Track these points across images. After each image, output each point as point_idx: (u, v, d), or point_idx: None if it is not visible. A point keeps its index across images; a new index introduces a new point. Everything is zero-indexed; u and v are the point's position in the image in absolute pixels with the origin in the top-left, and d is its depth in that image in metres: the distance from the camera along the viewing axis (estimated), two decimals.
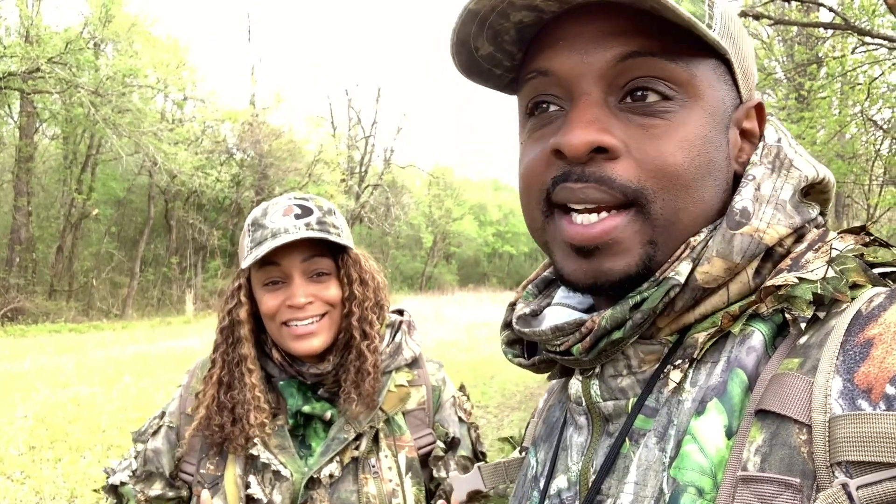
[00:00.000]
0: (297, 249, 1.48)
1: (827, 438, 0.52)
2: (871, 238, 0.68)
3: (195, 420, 1.51)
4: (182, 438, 1.53)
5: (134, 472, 1.53)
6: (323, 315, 1.49)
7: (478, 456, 1.63)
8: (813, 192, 0.72)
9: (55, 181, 26.90)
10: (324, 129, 36.48)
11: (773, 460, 0.54)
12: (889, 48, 7.18)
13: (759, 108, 0.74)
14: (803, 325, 0.60)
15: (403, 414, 1.56)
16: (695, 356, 0.65)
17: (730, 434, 0.58)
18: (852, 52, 8.69)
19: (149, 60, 24.75)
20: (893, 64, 8.09)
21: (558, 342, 0.71)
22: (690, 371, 0.65)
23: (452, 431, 1.59)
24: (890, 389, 0.51)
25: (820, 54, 9.64)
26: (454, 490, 0.97)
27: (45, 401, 8.95)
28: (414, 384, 1.60)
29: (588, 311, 0.79)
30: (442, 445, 1.56)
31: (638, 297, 0.66)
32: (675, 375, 0.65)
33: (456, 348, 14.39)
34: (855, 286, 0.62)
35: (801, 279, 0.62)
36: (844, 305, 0.60)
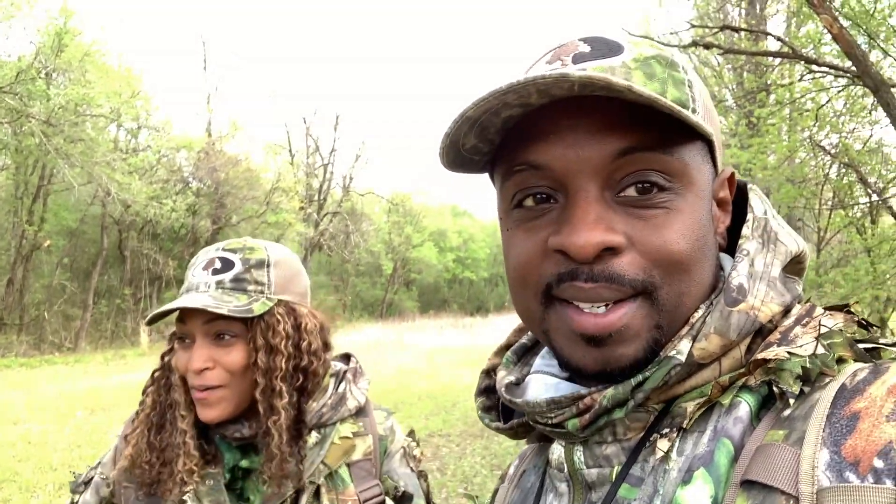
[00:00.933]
0: (200, 311, 1.40)
1: None
2: (857, 319, 0.69)
3: (122, 459, 1.46)
4: (114, 489, 1.48)
5: None
6: (222, 385, 1.41)
7: None
8: (791, 263, 0.73)
9: (5, 212, 26.29)
10: (282, 157, 36.33)
11: None
12: (834, 75, 7.39)
13: (731, 177, 0.76)
14: (792, 401, 0.61)
15: (348, 466, 1.51)
16: (684, 426, 0.65)
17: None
18: (800, 80, 8.92)
19: (102, 89, 24.39)
20: (839, 91, 8.32)
21: (552, 415, 0.71)
22: (678, 440, 0.65)
23: (403, 485, 1.55)
24: (878, 463, 0.52)
25: (768, 82, 9.88)
26: None
27: None
28: (359, 435, 1.55)
29: (570, 379, 0.78)
30: (390, 502, 1.52)
31: (640, 377, 0.66)
32: (663, 445, 0.65)
33: (417, 375, 14.33)
34: (839, 360, 0.63)
35: (790, 353, 0.63)
36: (828, 379, 0.62)
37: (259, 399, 1.42)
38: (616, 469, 0.69)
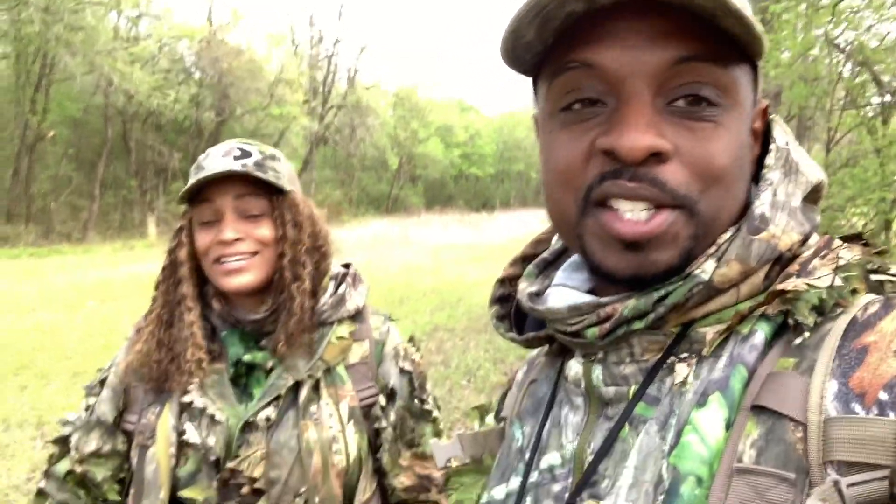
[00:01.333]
0: (230, 187, 1.46)
1: (821, 438, 0.55)
2: (875, 251, 0.70)
3: (132, 354, 1.52)
4: (126, 388, 1.54)
5: (78, 426, 1.54)
6: (254, 253, 1.48)
7: (424, 409, 1.63)
8: (809, 192, 0.74)
9: (7, 102, 26.03)
10: (285, 48, 35.61)
11: (769, 455, 0.57)
12: None
13: (765, 109, 0.76)
14: (807, 334, 0.62)
15: (347, 367, 1.56)
16: (703, 353, 0.67)
17: (728, 427, 0.61)
18: None
19: None
20: None
21: (573, 322, 0.72)
22: (695, 365, 0.67)
23: (391, 382, 1.60)
24: (883, 395, 0.54)
25: None
26: (434, 456, 0.99)
27: (8, 328, 8.88)
28: (356, 338, 1.60)
29: (590, 292, 0.79)
30: (382, 401, 1.58)
31: (662, 291, 0.67)
32: (682, 369, 0.67)
33: (422, 271, 14.48)
34: (853, 292, 0.64)
35: (809, 285, 0.64)
36: (840, 310, 0.63)
37: (286, 267, 1.50)
38: (633, 388, 0.70)
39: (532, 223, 19.35)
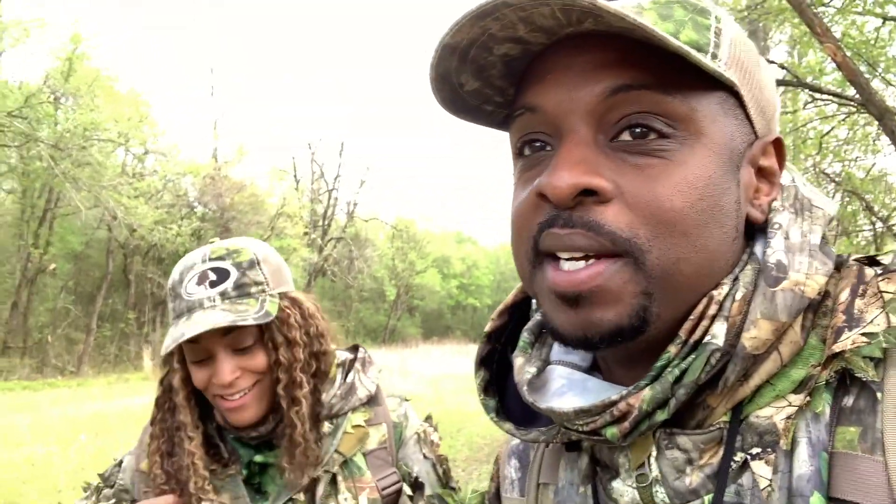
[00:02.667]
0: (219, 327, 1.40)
1: None
2: None
3: (143, 466, 1.51)
4: (133, 495, 1.52)
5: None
6: (253, 385, 1.44)
7: (452, 490, 1.58)
8: None
9: (11, 236, 26.39)
10: (287, 183, 36.45)
11: None
12: (839, 103, 7.47)
13: (778, 144, 0.68)
14: (880, 395, 0.56)
15: (364, 455, 1.52)
16: (781, 445, 0.58)
17: None
18: (803, 108, 8.99)
19: (110, 114, 24.60)
20: (842, 119, 8.40)
21: (582, 423, 0.63)
22: (775, 460, 0.59)
23: (416, 471, 1.55)
24: None
25: None
26: None
27: None
28: (372, 423, 1.55)
29: (594, 367, 0.74)
30: (408, 491, 1.53)
31: (677, 371, 0.60)
32: (763, 470, 0.58)
33: (422, 402, 14.26)
34: None
35: (866, 336, 0.57)
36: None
37: (282, 394, 1.44)
38: (707, 499, 0.61)
39: None
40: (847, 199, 9.74)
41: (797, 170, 0.70)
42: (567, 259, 0.61)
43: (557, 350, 0.75)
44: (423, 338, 41.24)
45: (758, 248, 0.65)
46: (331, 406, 1.51)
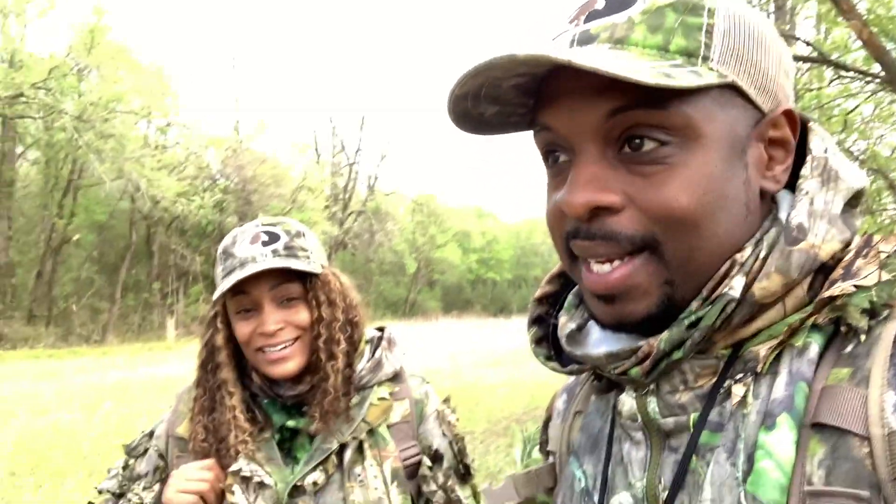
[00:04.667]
0: (266, 278, 1.51)
1: (888, 452, 0.55)
2: None
3: (182, 429, 1.60)
4: (168, 461, 1.60)
5: (119, 481, 1.60)
6: (295, 339, 1.53)
7: (468, 470, 1.67)
8: (851, 199, 0.71)
9: (36, 206, 26.75)
10: (308, 156, 36.61)
11: (839, 473, 0.56)
12: (864, 81, 7.36)
13: (789, 114, 0.71)
14: (863, 338, 0.61)
15: (388, 427, 1.60)
16: (758, 370, 0.65)
17: (798, 448, 0.59)
18: (828, 85, 8.86)
19: (133, 86, 24.72)
20: (867, 97, 8.27)
21: (613, 366, 0.71)
22: (752, 384, 0.65)
23: (436, 445, 1.64)
24: None
25: (797, 86, 9.82)
26: (488, 503, 0.95)
27: (25, 427, 8.83)
28: (396, 397, 1.64)
29: None
30: (428, 463, 1.60)
31: (693, 317, 0.66)
32: (739, 390, 0.65)
33: (440, 375, 14.32)
34: None
35: (857, 287, 0.62)
36: (886, 311, 0.62)
37: (321, 348, 1.54)
38: (693, 416, 0.68)
39: None
40: (872, 176, 9.62)
41: (825, 139, 0.73)
42: (595, 263, 0.69)
43: None
44: (444, 312, 41.40)
45: (782, 213, 0.71)
46: (360, 377, 1.60)
